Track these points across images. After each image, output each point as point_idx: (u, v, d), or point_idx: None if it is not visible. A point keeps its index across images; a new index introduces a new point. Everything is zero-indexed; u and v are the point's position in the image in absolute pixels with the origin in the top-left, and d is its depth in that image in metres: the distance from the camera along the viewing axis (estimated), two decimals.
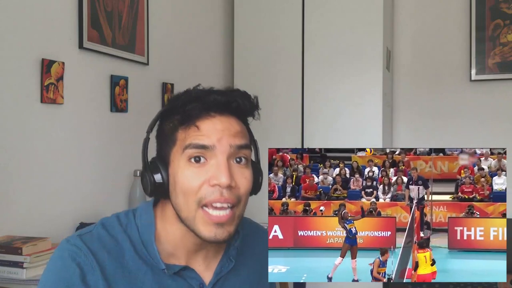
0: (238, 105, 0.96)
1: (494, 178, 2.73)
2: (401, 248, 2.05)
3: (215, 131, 0.93)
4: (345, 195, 2.79)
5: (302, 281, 2.54)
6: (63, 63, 2.09)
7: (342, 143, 3.20)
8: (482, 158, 2.81)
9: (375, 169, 2.88)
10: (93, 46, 2.27)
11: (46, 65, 2.00)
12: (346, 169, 2.90)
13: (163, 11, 2.86)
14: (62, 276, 0.91)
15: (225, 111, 0.96)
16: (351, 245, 2.00)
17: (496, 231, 2.28)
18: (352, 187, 2.84)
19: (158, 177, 0.96)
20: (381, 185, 2.80)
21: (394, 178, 2.80)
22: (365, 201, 2.72)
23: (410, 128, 3.67)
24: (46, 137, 2.05)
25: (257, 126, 1.11)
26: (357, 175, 2.86)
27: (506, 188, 2.67)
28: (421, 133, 3.64)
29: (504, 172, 2.72)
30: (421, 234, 2.27)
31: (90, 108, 2.29)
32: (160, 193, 0.98)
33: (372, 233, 2.38)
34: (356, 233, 2.02)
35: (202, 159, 0.93)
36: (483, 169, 2.77)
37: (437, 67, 3.61)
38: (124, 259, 0.95)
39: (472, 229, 2.33)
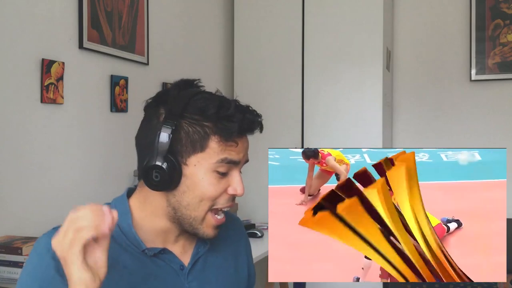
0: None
1: None
2: None
3: (243, 148, 1.01)
4: None
5: None
6: (63, 63, 2.09)
7: (342, 143, 3.20)
8: None
9: None
10: (93, 46, 2.27)
11: (46, 65, 2.00)
12: None
13: (163, 11, 2.86)
14: (37, 271, 0.94)
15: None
16: None
17: None
18: None
19: (171, 171, 0.97)
20: None
21: None
22: None
23: (410, 128, 3.67)
24: (46, 137, 2.05)
25: None
26: None
27: None
28: (421, 133, 3.64)
29: None
30: None
31: (90, 108, 2.29)
32: (163, 185, 0.98)
33: None
34: None
35: None
36: None
37: (437, 67, 3.61)
38: None
39: None
